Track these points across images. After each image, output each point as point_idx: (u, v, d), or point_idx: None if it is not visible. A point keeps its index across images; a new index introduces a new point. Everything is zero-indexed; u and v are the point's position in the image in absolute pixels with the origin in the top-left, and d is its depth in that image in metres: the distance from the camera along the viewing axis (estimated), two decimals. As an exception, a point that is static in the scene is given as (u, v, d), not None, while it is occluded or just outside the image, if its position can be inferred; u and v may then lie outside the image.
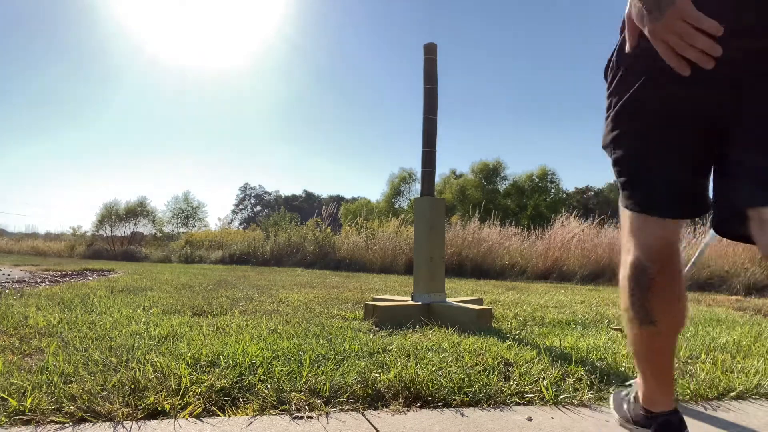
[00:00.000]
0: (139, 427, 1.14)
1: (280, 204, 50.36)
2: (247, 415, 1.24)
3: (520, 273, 7.90)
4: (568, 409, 1.39)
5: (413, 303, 2.76)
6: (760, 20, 0.84)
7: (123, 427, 1.13)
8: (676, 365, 1.78)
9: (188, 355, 1.62)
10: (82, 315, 2.50)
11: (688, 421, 1.11)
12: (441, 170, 30.00)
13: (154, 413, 1.21)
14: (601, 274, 7.39)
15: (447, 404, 1.37)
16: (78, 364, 1.50)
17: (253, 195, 69.15)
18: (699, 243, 7.05)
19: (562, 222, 8.91)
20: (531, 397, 1.43)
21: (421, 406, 1.36)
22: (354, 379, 1.45)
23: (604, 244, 7.87)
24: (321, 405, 1.30)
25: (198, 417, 1.21)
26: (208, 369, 1.49)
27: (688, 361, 1.91)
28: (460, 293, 4.40)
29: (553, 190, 27.77)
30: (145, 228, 18.34)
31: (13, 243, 21.02)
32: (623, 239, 1.08)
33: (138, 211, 17.75)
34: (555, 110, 71.23)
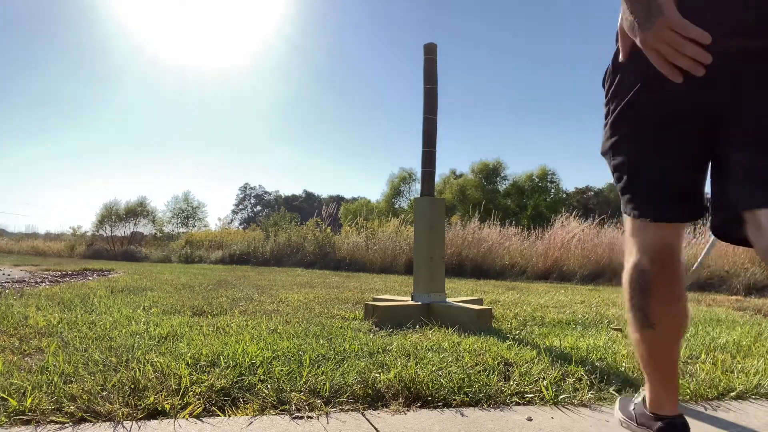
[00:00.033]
0: (139, 427, 1.14)
1: (280, 204, 50.37)
2: (247, 415, 1.24)
3: (520, 273, 7.90)
4: (568, 409, 1.39)
5: (413, 303, 2.76)
6: (761, 20, 0.84)
7: (123, 427, 1.14)
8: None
9: (188, 355, 1.62)
10: (82, 315, 2.50)
11: (688, 421, 1.11)
12: (441, 170, 30.04)
13: (154, 413, 1.21)
14: (601, 274, 7.39)
15: (447, 404, 1.37)
16: (78, 364, 1.50)
17: (253, 195, 69.18)
18: (699, 243, 7.06)
19: (562, 222, 8.91)
20: (531, 397, 1.43)
21: (421, 406, 1.36)
22: (354, 379, 1.45)
23: (604, 244, 7.87)
24: (321, 405, 1.30)
25: (198, 417, 1.21)
26: (208, 369, 1.49)
27: (688, 361, 1.91)
28: (460, 293, 4.40)
29: (553, 190, 27.77)
30: (145, 228, 18.36)
31: (13, 243, 21.02)
32: (625, 242, 1.09)
33: (138, 211, 17.76)
34: (555, 110, 71.27)
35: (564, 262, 7.85)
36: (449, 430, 1.21)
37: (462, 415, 1.31)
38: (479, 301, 3.16)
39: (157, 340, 1.92)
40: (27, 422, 1.13)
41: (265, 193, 69.28)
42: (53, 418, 1.15)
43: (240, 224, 45.80)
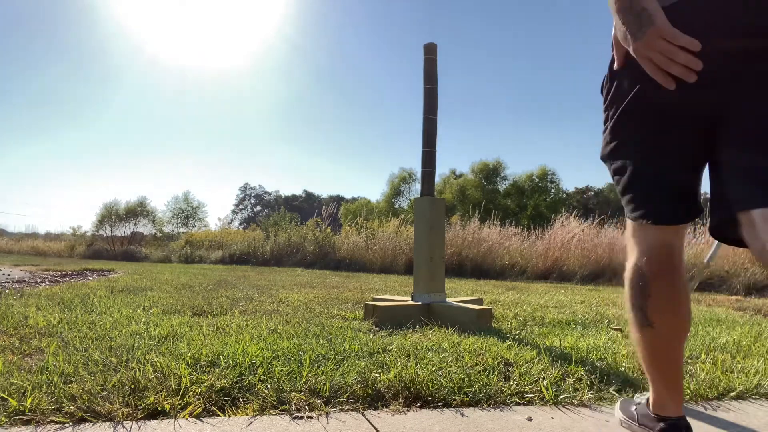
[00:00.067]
0: (139, 427, 1.14)
1: (280, 204, 50.37)
2: (247, 415, 1.24)
3: (520, 273, 7.90)
4: (568, 409, 1.39)
5: (413, 303, 2.76)
6: (761, 20, 0.84)
7: (123, 427, 1.13)
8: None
9: (188, 355, 1.62)
10: (82, 315, 2.50)
11: (688, 421, 1.11)
12: (441, 170, 30.04)
13: (154, 413, 1.21)
14: (601, 274, 7.39)
15: (447, 404, 1.37)
16: (78, 364, 1.50)
17: (253, 195, 69.19)
18: (699, 243, 7.06)
19: (562, 222, 8.91)
20: (531, 397, 1.43)
21: (421, 406, 1.36)
22: (354, 379, 1.45)
23: (604, 244, 7.87)
24: (321, 405, 1.30)
25: (198, 417, 1.21)
26: (208, 369, 1.49)
27: (688, 361, 1.91)
28: (460, 293, 4.40)
29: (553, 190, 27.78)
30: (145, 228, 18.36)
31: (13, 243, 21.02)
32: (626, 242, 1.10)
33: (138, 211, 17.76)
34: (555, 110, 71.34)
35: (564, 262, 7.85)
36: (449, 430, 1.21)
37: (462, 415, 1.31)
38: (479, 301, 3.16)
39: (157, 340, 1.92)
40: (27, 422, 1.13)
41: (265, 193, 69.32)
42: (53, 418, 1.15)
43: (240, 224, 45.82)
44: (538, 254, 8.16)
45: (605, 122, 1.07)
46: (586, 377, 1.59)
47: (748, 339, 2.37)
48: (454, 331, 2.32)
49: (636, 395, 1.42)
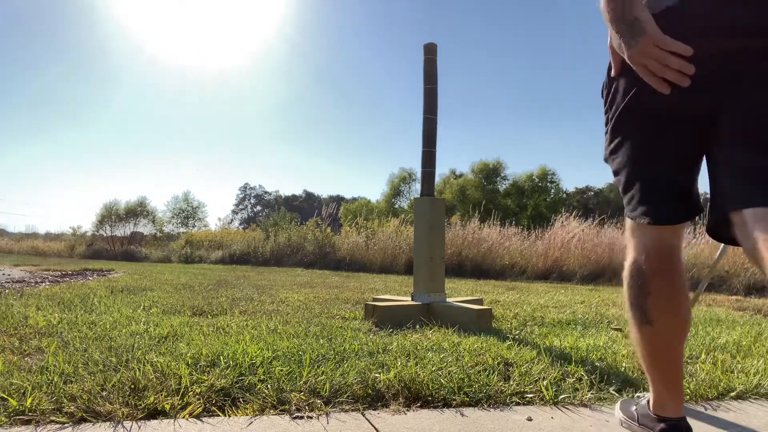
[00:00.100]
0: (139, 427, 1.14)
1: (280, 204, 50.37)
2: (247, 415, 1.24)
3: (520, 273, 7.90)
4: (568, 409, 1.39)
5: (413, 303, 2.76)
6: (761, 20, 0.84)
7: (123, 427, 1.13)
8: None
9: (188, 355, 1.62)
10: (82, 315, 2.50)
11: (688, 421, 1.11)
12: (441, 170, 30.04)
13: (154, 413, 1.21)
14: (601, 274, 7.39)
15: (447, 404, 1.37)
16: (78, 364, 1.50)
17: (253, 195, 69.20)
18: (699, 243, 7.06)
19: (562, 222, 8.91)
20: (531, 397, 1.43)
21: (421, 406, 1.36)
22: (354, 379, 1.45)
23: (604, 244, 7.87)
24: (321, 405, 1.30)
25: (198, 417, 1.21)
26: (208, 369, 1.49)
27: (688, 361, 1.91)
28: (460, 293, 4.40)
29: (553, 190, 27.78)
30: (145, 228, 18.36)
31: (13, 243, 21.02)
32: (626, 241, 1.11)
33: (138, 211, 17.76)
34: (555, 110, 71.37)
35: (564, 262, 7.84)
36: (449, 430, 1.21)
37: (462, 415, 1.31)
38: (479, 301, 3.16)
39: (157, 340, 1.92)
40: (27, 422, 1.13)
41: (265, 193, 69.33)
42: (53, 418, 1.15)
43: (240, 224, 45.83)
44: (538, 254, 8.16)
45: (606, 124, 1.09)
46: (586, 377, 1.59)
47: (748, 339, 2.37)
48: (454, 331, 2.32)
49: (636, 395, 1.42)
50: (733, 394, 1.53)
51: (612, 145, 1.07)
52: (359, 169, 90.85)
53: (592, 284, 6.97)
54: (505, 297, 4.22)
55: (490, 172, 27.94)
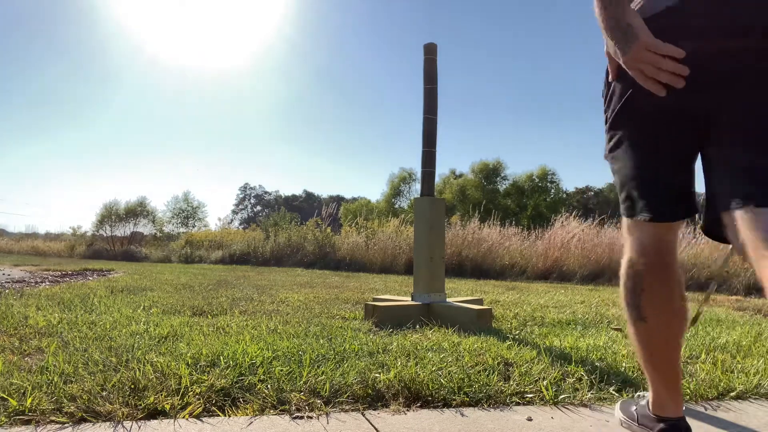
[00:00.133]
0: (139, 427, 1.14)
1: (280, 204, 50.37)
2: (247, 415, 1.24)
3: (520, 273, 7.90)
4: (568, 409, 1.39)
5: (413, 303, 2.76)
6: (760, 20, 0.84)
7: (123, 427, 1.14)
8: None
9: (188, 355, 1.62)
10: (82, 315, 2.50)
11: (688, 421, 1.11)
12: (441, 170, 30.04)
13: (154, 413, 1.21)
14: (601, 274, 7.39)
15: (447, 404, 1.37)
16: (78, 364, 1.50)
17: (253, 195, 69.20)
18: (699, 243, 7.06)
19: (562, 222, 8.91)
20: (531, 397, 1.43)
21: (421, 406, 1.36)
22: (354, 379, 1.45)
23: (604, 244, 7.86)
24: (321, 405, 1.30)
25: (198, 417, 1.21)
26: (208, 369, 1.49)
27: (688, 361, 1.91)
28: (460, 293, 4.40)
29: (553, 190, 27.78)
30: (145, 228, 18.35)
31: (13, 243, 21.02)
32: (623, 240, 1.13)
33: (138, 211, 17.75)
34: (555, 110, 71.40)
35: (564, 262, 7.84)
36: (449, 430, 1.21)
37: (462, 415, 1.31)
38: (479, 301, 3.16)
39: (157, 340, 1.92)
40: (27, 422, 1.13)
41: (265, 193, 69.33)
42: (53, 418, 1.15)
43: (240, 224, 45.81)
44: (538, 254, 8.16)
45: (605, 124, 1.11)
46: (586, 377, 1.59)
47: (748, 339, 2.37)
48: (454, 331, 2.32)
49: (636, 395, 1.42)
50: (733, 394, 1.53)
51: (610, 144, 1.09)
52: (359, 169, 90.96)
53: (592, 284, 6.97)
54: (505, 297, 4.22)
55: (490, 172, 27.94)
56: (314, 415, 1.26)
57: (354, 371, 1.51)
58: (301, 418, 1.24)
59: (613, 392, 1.50)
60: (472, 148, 67.64)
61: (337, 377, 1.46)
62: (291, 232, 10.96)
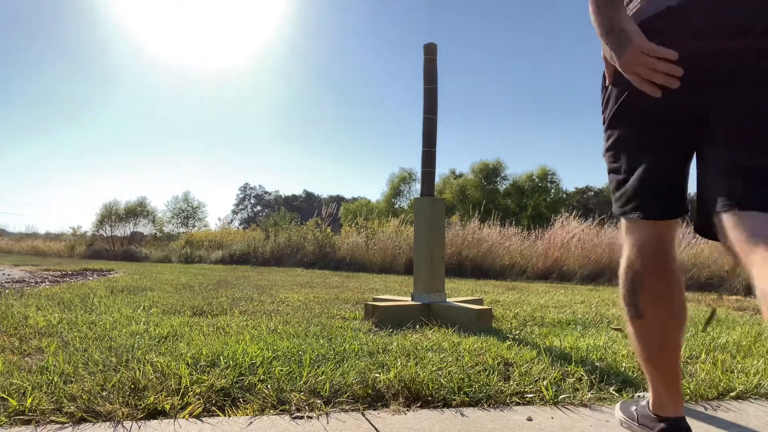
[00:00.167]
0: (139, 427, 1.14)
1: (280, 204, 50.37)
2: (247, 415, 1.24)
3: (520, 273, 7.90)
4: (568, 409, 1.39)
5: (413, 303, 2.76)
6: (760, 20, 0.84)
7: (123, 427, 1.14)
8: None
9: (188, 355, 1.62)
10: (82, 315, 2.50)
11: (688, 421, 1.11)
12: (441, 170, 30.04)
13: (154, 413, 1.21)
14: (601, 274, 7.39)
15: (447, 404, 1.37)
16: (78, 364, 1.50)
17: (253, 195, 69.20)
18: (699, 243, 7.05)
19: (562, 222, 8.90)
20: (531, 397, 1.43)
21: (421, 406, 1.36)
22: (354, 379, 1.45)
23: (604, 244, 7.86)
24: (321, 405, 1.30)
25: (198, 417, 1.21)
26: (208, 369, 1.49)
27: (688, 361, 1.91)
28: (460, 293, 4.40)
29: (553, 190, 27.77)
30: (145, 228, 18.35)
31: (13, 243, 21.02)
32: (621, 241, 1.14)
33: (138, 211, 17.75)
34: (555, 110, 71.41)
35: (564, 262, 7.84)
36: (449, 430, 1.21)
37: (462, 415, 1.31)
38: (479, 301, 3.16)
39: (157, 340, 1.92)
40: (27, 422, 1.13)
41: (265, 193, 69.33)
42: (53, 418, 1.15)
43: (240, 224, 45.81)
44: (538, 254, 8.16)
45: (603, 124, 1.12)
46: (586, 377, 1.59)
47: (748, 339, 2.37)
48: (454, 331, 2.32)
49: (636, 395, 1.43)
50: (733, 394, 1.53)
51: (608, 144, 1.10)
52: (359, 169, 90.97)
53: (592, 284, 6.97)
54: (505, 297, 4.22)
55: (490, 172, 27.93)
56: (314, 415, 1.26)
57: (354, 371, 1.51)
58: (301, 418, 1.24)
59: (613, 392, 1.50)
60: (472, 148, 67.71)
61: (337, 377, 1.46)
62: (291, 232, 10.95)
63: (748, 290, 5.99)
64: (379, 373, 1.51)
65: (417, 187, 26.35)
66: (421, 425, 1.22)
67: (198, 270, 7.96)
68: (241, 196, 68.61)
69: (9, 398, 1.20)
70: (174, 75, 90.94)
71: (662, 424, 1.08)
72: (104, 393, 1.27)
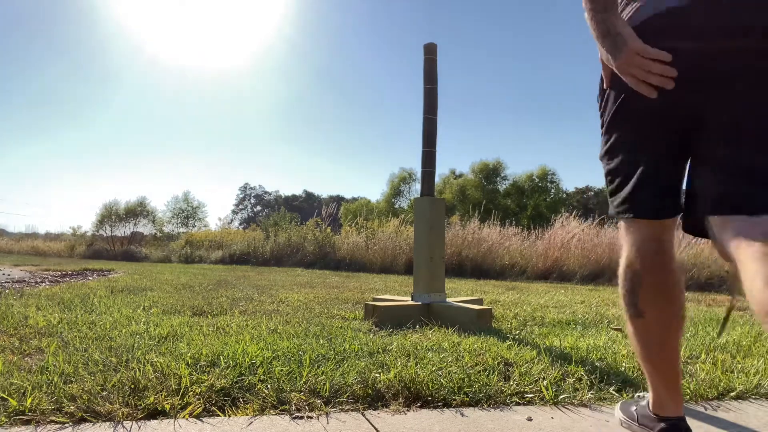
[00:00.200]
0: (139, 427, 1.14)
1: (280, 204, 50.38)
2: (247, 415, 1.24)
3: (520, 273, 7.90)
4: (568, 409, 1.39)
5: (413, 303, 2.76)
6: (761, 20, 0.85)
7: (123, 427, 1.14)
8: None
9: (188, 355, 1.62)
10: (82, 315, 2.50)
11: (688, 421, 1.11)
12: (441, 170, 30.04)
13: (154, 413, 1.21)
14: (601, 274, 7.39)
15: (447, 404, 1.37)
16: (78, 364, 1.50)
17: (253, 195, 69.19)
18: (699, 243, 7.05)
19: (562, 222, 8.91)
20: (531, 397, 1.43)
21: (421, 406, 1.36)
22: (354, 379, 1.45)
23: (604, 244, 7.86)
24: (321, 405, 1.30)
25: (198, 417, 1.21)
26: (208, 369, 1.49)
27: (688, 361, 1.91)
28: (460, 293, 4.40)
29: (553, 190, 27.77)
30: (145, 228, 18.36)
31: (13, 243, 21.03)
32: (621, 241, 1.14)
33: (138, 211, 17.76)
34: (555, 110, 71.41)
35: (564, 262, 7.84)
36: (449, 430, 1.21)
37: (462, 415, 1.31)
38: (479, 301, 3.16)
39: (157, 340, 1.92)
40: (27, 422, 1.13)
41: (265, 193, 69.32)
42: (53, 418, 1.15)
43: (240, 224, 45.82)
44: (538, 254, 8.16)
45: (601, 127, 1.13)
46: (586, 377, 1.59)
47: (748, 339, 2.37)
48: (454, 331, 2.32)
49: (637, 395, 1.43)
50: (733, 394, 1.53)
51: (605, 147, 1.11)
52: (359, 169, 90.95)
53: (592, 284, 6.97)
54: (505, 297, 4.22)
55: (490, 172, 27.93)
56: (314, 415, 1.26)
57: (354, 371, 1.51)
58: (301, 418, 1.24)
59: (613, 392, 1.50)
60: (472, 148, 67.67)
61: (337, 377, 1.46)
62: (291, 232, 10.96)
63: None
64: (379, 373, 1.51)
65: (417, 187, 26.37)
66: (421, 425, 1.22)
67: (198, 270, 7.96)
68: (241, 196, 68.67)
69: (9, 398, 1.20)
70: (174, 75, 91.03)
71: (662, 424, 1.08)
72: (104, 393, 1.27)
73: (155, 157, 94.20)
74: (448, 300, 2.87)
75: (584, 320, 2.93)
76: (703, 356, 1.96)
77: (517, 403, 1.40)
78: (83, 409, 1.18)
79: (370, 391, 1.39)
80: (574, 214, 9.23)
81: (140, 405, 1.22)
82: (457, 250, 8.38)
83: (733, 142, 0.89)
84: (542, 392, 1.46)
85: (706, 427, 1.28)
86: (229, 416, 1.23)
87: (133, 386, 1.32)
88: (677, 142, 1.00)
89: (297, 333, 2.16)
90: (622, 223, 1.12)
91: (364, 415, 1.28)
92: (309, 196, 67.61)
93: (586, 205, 34.55)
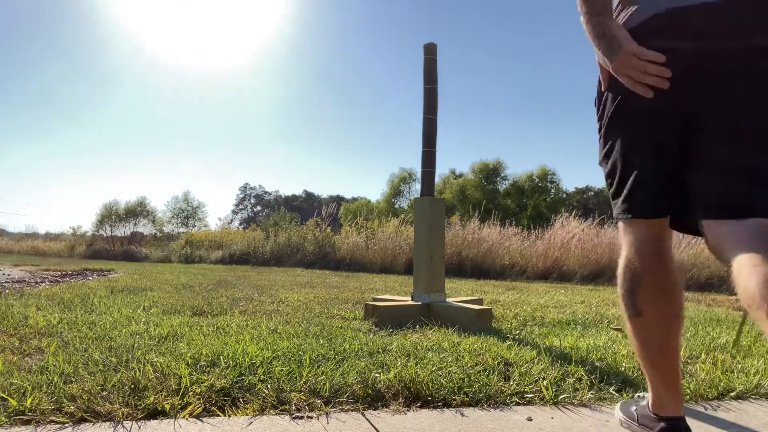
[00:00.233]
0: (139, 427, 1.14)
1: (280, 204, 50.37)
2: (247, 415, 1.24)
3: (520, 273, 7.90)
4: (568, 409, 1.39)
5: (413, 303, 2.76)
6: (760, 20, 0.85)
7: (123, 427, 1.14)
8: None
9: (188, 355, 1.62)
10: (82, 315, 2.50)
11: (688, 421, 1.11)
12: (441, 170, 30.04)
13: (154, 413, 1.21)
14: (601, 274, 7.39)
15: (447, 404, 1.37)
16: (78, 364, 1.50)
17: (253, 195, 69.19)
18: (698, 243, 7.05)
19: (562, 222, 8.91)
20: (531, 397, 1.43)
21: (421, 406, 1.36)
22: (354, 379, 1.45)
23: (604, 244, 7.86)
24: (321, 405, 1.30)
25: (198, 417, 1.21)
26: (208, 369, 1.49)
27: (688, 361, 1.91)
28: (460, 293, 4.40)
29: (553, 190, 27.77)
30: (145, 228, 18.35)
31: (13, 243, 21.03)
32: (620, 241, 1.15)
33: (138, 211, 17.76)
34: (555, 110, 71.40)
35: (564, 262, 7.84)
36: (449, 430, 1.21)
37: (462, 415, 1.31)
38: (479, 301, 3.16)
39: (157, 340, 1.92)
40: (27, 422, 1.13)
41: (265, 193, 69.32)
42: (53, 418, 1.15)
43: (240, 224, 45.82)
44: (538, 254, 8.16)
45: (599, 130, 1.14)
46: (586, 377, 1.59)
47: (748, 339, 2.37)
48: (454, 331, 2.32)
49: (636, 395, 1.43)
50: (733, 394, 1.53)
51: (604, 150, 1.12)
52: (359, 169, 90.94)
53: (592, 284, 6.97)
54: (505, 297, 4.22)
55: (490, 172, 27.93)
56: (314, 415, 1.26)
57: (354, 371, 1.51)
58: (301, 418, 1.24)
59: (613, 392, 1.50)
60: (472, 148, 67.65)
61: (337, 377, 1.46)
62: (291, 232, 10.96)
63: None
64: (379, 373, 1.51)
65: (417, 187, 26.36)
66: (421, 425, 1.23)
67: (198, 270, 7.96)
68: (241, 196, 68.66)
69: (9, 398, 1.20)
70: (174, 75, 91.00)
71: (662, 424, 1.09)
72: (104, 393, 1.27)
73: (155, 157, 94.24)
74: (448, 300, 2.87)
75: (584, 320, 2.93)
76: (703, 356, 1.96)
77: (517, 403, 1.40)
78: (83, 409, 1.19)
79: (370, 391, 1.39)
80: (574, 214, 9.23)
81: (140, 405, 1.22)
82: (457, 250, 8.38)
83: (733, 142, 0.89)
84: (542, 392, 1.46)
85: (706, 427, 1.28)
86: (229, 416, 1.23)
87: (133, 386, 1.32)
88: (676, 142, 1.00)
89: (297, 333, 2.16)
90: (621, 224, 1.12)
91: (364, 415, 1.28)
92: (309, 196, 67.61)
93: (586, 205, 34.56)
